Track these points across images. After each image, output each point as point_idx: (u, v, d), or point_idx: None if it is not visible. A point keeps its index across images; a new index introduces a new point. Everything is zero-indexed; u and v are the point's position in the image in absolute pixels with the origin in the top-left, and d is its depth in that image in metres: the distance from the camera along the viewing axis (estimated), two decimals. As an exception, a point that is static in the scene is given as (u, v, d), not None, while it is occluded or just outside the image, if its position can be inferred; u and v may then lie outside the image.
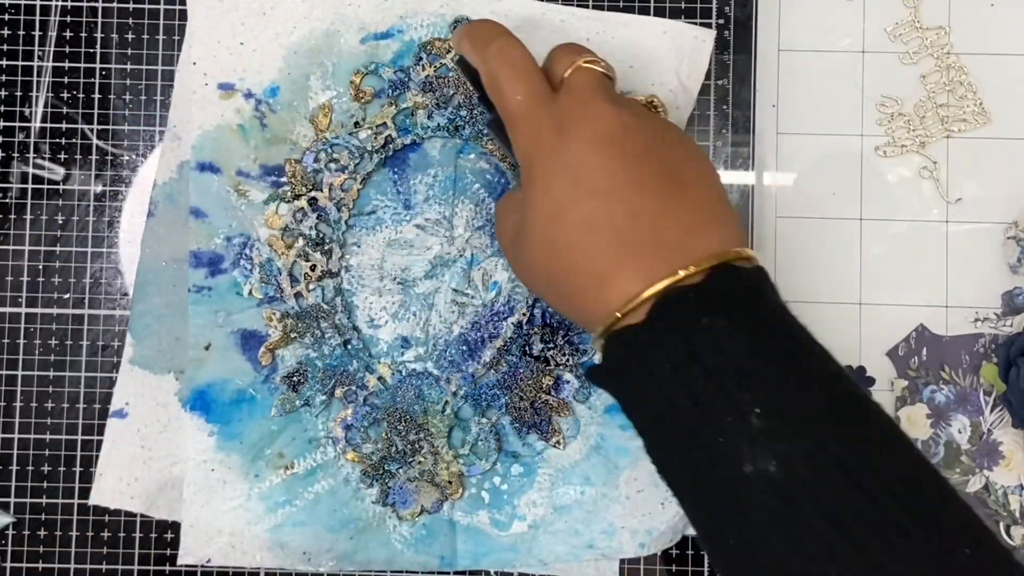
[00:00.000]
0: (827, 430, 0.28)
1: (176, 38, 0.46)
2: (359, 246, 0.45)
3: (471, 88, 0.41)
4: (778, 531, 0.27)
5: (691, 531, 0.45)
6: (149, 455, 0.45)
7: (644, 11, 0.46)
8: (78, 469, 0.45)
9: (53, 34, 0.46)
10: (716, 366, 0.29)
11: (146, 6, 0.46)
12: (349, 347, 0.44)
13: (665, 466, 0.32)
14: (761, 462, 0.28)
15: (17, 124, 0.46)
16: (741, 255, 0.33)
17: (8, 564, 0.45)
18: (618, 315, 0.32)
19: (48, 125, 0.46)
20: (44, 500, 0.45)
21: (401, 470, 0.44)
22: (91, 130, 0.46)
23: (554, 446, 0.44)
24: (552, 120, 0.35)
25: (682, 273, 0.31)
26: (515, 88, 0.36)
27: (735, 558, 0.29)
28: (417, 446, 0.44)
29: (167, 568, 0.45)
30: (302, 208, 0.44)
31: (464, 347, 0.45)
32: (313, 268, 0.44)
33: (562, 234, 0.33)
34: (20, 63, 0.46)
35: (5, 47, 0.46)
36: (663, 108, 0.43)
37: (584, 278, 0.33)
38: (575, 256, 0.33)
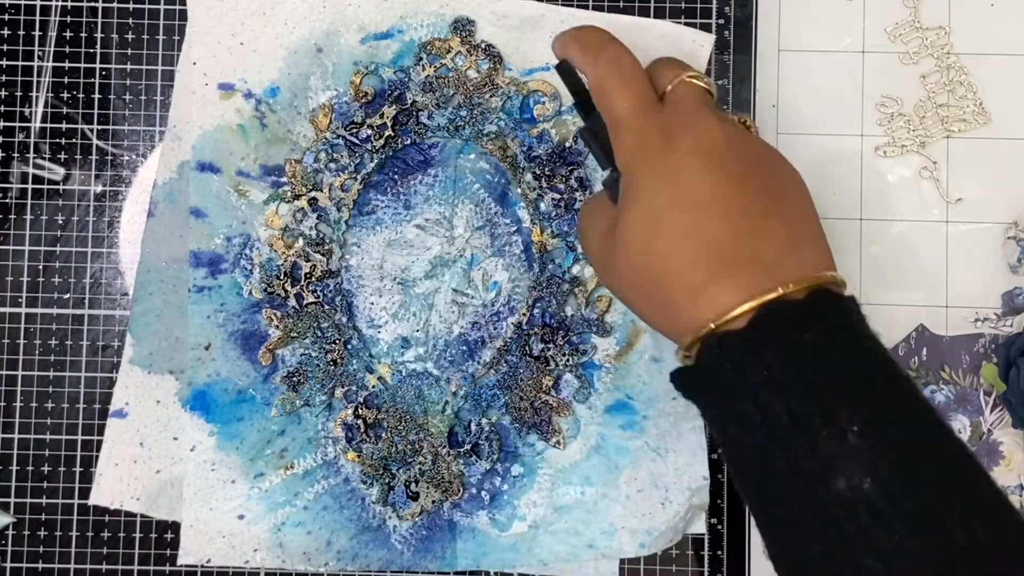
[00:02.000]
0: (920, 455, 0.29)
1: (176, 38, 0.46)
2: (359, 246, 0.45)
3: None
4: (867, 545, 0.28)
5: (691, 530, 0.45)
6: (149, 455, 0.45)
7: (644, 11, 0.46)
8: (78, 469, 0.45)
9: (53, 34, 0.46)
10: (815, 380, 0.30)
11: (146, 6, 0.46)
12: (349, 347, 0.44)
13: (746, 474, 0.32)
14: (856, 478, 0.28)
15: (17, 124, 0.46)
16: (836, 280, 0.33)
17: (8, 564, 0.45)
18: (712, 326, 0.32)
19: (48, 125, 0.46)
20: (44, 500, 0.45)
21: (401, 470, 0.44)
22: (91, 130, 0.46)
23: (554, 446, 0.44)
24: (657, 130, 0.35)
25: (781, 290, 0.31)
26: (624, 95, 0.36)
27: (815, 568, 0.30)
28: (417, 446, 0.44)
29: (167, 568, 0.45)
30: (302, 208, 0.44)
31: (464, 347, 0.45)
32: (313, 268, 0.44)
33: (660, 242, 0.34)
34: (20, 63, 0.46)
35: (5, 47, 0.46)
36: (756, 129, 0.43)
37: (679, 287, 0.33)
38: (671, 264, 0.33)
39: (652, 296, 0.35)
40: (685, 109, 0.36)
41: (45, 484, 0.45)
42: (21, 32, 0.46)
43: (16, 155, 0.46)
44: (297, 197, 0.44)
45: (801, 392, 0.30)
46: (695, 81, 0.37)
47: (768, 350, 0.31)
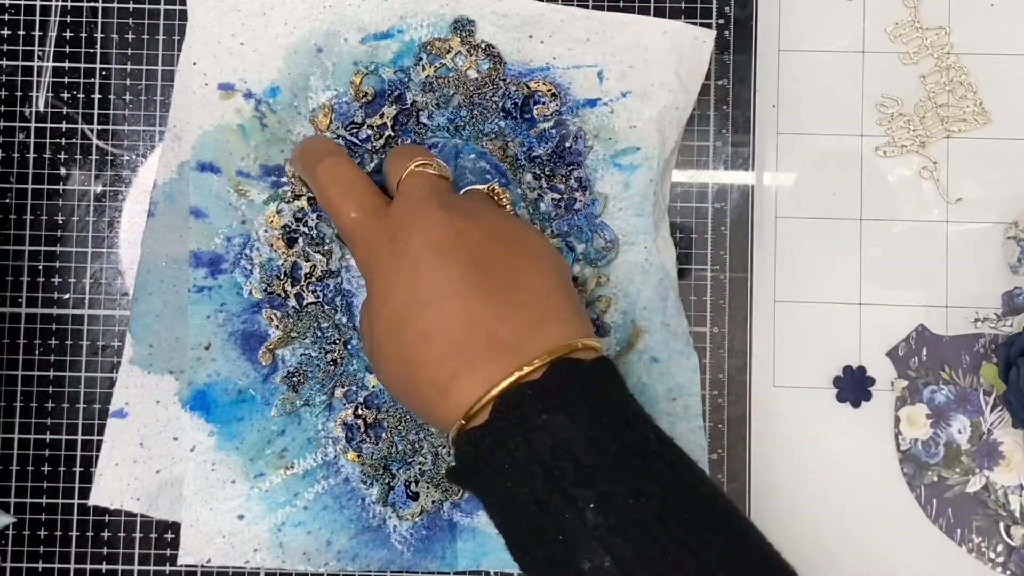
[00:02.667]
0: (659, 523, 0.29)
1: (176, 38, 0.46)
2: (359, 246, 0.45)
3: (471, 89, 0.41)
4: None
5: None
6: (149, 455, 0.45)
7: (644, 11, 0.46)
8: (78, 469, 0.45)
9: (53, 34, 0.46)
10: (554, 463, 0.30)
11: (146, 6, 0.46)
12: (349, 347, 0.44)
13: (520, 563, 0.32)
14: (597, 558, 0.28)
15: (17, 124, 0.46)
16: (582, 346, 0.33)
17: (8, 564, 0.45)
18: (463, 421, 0.32)
19: (48, 125, 0.46)
20: (44, 500, 0.45)
21: (401, 470, 0.44)
22: (91, 130, 0.46)
23: (554, 446, 0.44)
24: (385, 232, 0.35)
25: (518, 373, 0.31)
26: (347, 205, 0.37)
27: None
28: (417, 446, 0.44)
29: (167, 568, 0.45)
30: (302, 208, 0.44)
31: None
32: (313, 268, 0.44)
33: (404, 348, 0.34)
34: (20, 63, 0.46)
35: (5, 47, 0.46)
36: (505, 196, 0.42)
37: (428, 388, 0.33)
38: (417, 369, 0.33)
39: (412, 396, 0.35)
40: (410, 204, 0.36)
41: (45, 484, 0.45)
42: (21, 32, 0.46)
43: (16, 155, 0.46)
44: (297, 197, 0.44)
45: (543, 477, 0.30)
46: (424, 170, 0.37)
47: (510, 438, 0.30)
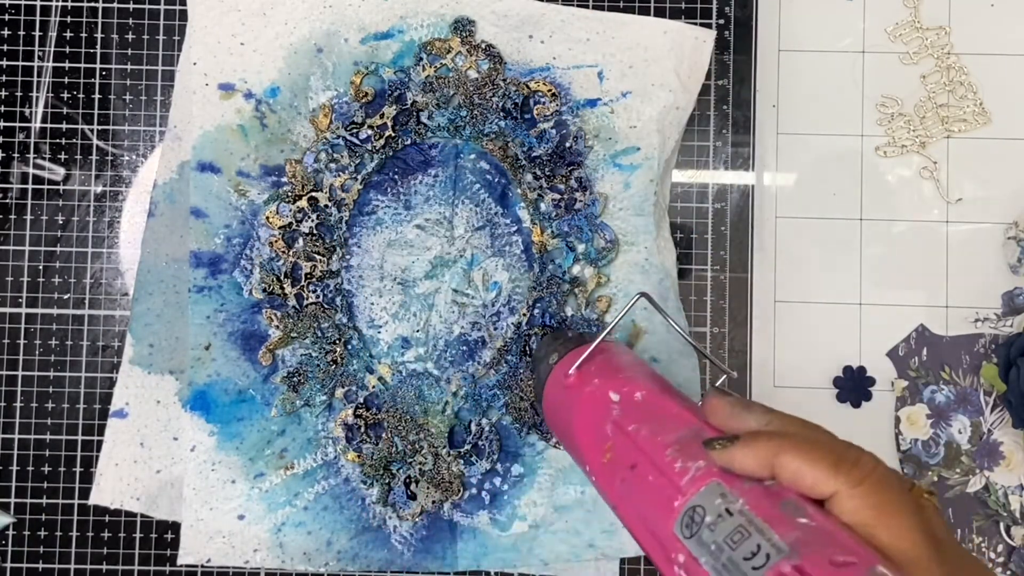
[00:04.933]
0: None
1: (176, 38, 0.46)
2: (359, 246, 0.45)
3: (471, 89, 0.40)
4: None
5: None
6: (149, 455, 0.45)
7: (644, 11, 0.46)
8: (78, 469, 0.45)
9: (53, 34, 0.46)
10: None
11: (146, 6, 0.46)
12: (349, 347, 0.44)
13: None
14: None
15: (17, 124, 0.46)
16: None
17: (8, 564, 0.45)
18: None
19: (48, 125, 0.46)
20: (44, 500, 0.45)
21: (401, 470, 0.44)
22: (91, 130, 0.46)
23: (554, 446, 0.44)
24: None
25: None
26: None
27: None
28: (417, 446, 0.44)
29: (167, 568, 0.45)
30: (302, 208, 0.44)
31: (464, 347, 0.45)
32: (313, 268, 0.44)
33: None
34: (20, 63, 0.46)
35: (5, 47, 0.46)
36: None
37: None
38: None
39: None
40: (964, 560, 0.28)
41: (45, 484, 0.45)
42: (21, 32, 0.46)
43: (16, 155, 0.46)
44: (297, 197, 0.44)
45: None
46: (934, 500, 0.29)
47: None
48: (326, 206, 0.44)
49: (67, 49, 0.46)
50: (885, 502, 0.27)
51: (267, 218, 0.44)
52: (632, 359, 0.38)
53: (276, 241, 0.44)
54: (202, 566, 0.44)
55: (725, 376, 0.42)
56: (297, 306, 0.44)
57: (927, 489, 0.29)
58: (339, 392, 0.44)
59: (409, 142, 0.45)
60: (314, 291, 0.44)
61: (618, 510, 0.33)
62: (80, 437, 0.45)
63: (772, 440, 0.28)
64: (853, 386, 0.47)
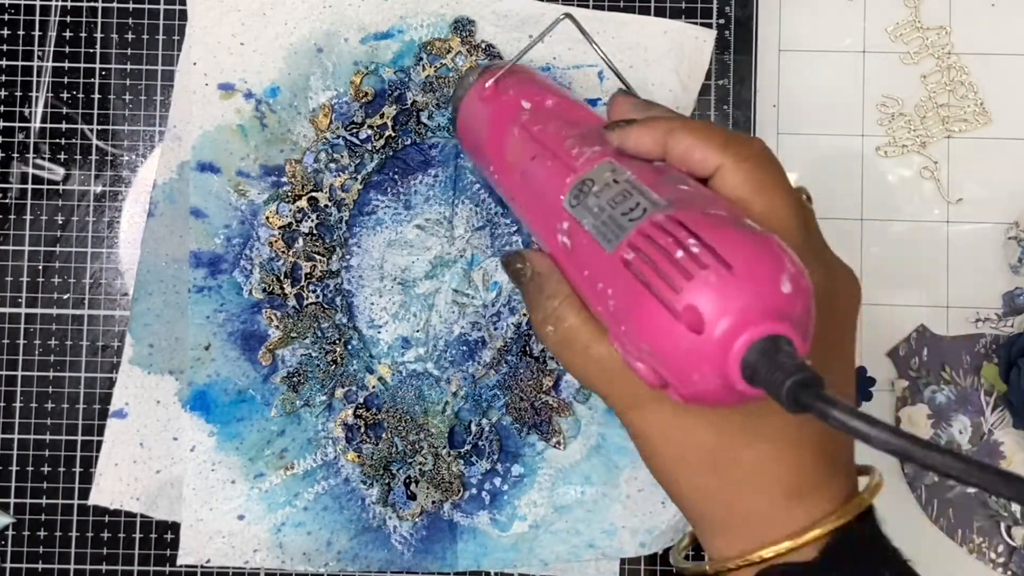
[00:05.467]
0: None
1: (176, 38, 0.46)
2: (359, 246, 0.45)
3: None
4: None
5: (691, 529, 0.45)
6: (149, 455, 0.45)
7: (644, 11, 0.46)
8: (78, 469, 0.45)
9: (53, 34, 0.46)
10: None
11: (146, 6, 0.46)
12: (349, 347, 0.44)
13: None
14: None
15: (17, 124, 0.46)
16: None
17: (8, 564, 0.45)
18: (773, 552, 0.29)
19: (48, 125, 0.46)
20: (44, 500, 0.45)
21: (401, 470, 0.44)
22: (91, 130, 0.46)
23: (554, 446, 0.44)
24: None
25: (849, 516, 0.29)
26: None
27: None
28: (417, 446, 0.44)
29: (167, 568, 0.45)
30: (302, 208, 0.44)
31: (464, 347, 0.45)
32: (313, 268, 0.44)
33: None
34: (20, 63, 0.46)
35: (5, 47, 0.46)
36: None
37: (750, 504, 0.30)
38: (747, 484, 0.29)
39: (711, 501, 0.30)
40: None
41: (45, 484, 0.45)
42: (21, 32, 0.46)
43: (16, 155, 0.46)
44: (297, 197, 0.44)
45: None
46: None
47: None
48: (326, 206, 0.44)
49: (67, 49, 0.46)
50: (767, 180, 0.28)
51: (267, 218, 0.44)
52: (550, 79, 0.40)
53: (276, 241, 0.44)
54: (202, 566, 0.44)
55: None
56: (297, 306, 0.44)
57: (807, 194, 0.32)
58: (339, 392, 0.44)
59: (409, 142, 0.45)
60: (314, 291, 0.44)
61: (515, 200, 0.35)
62: (80, 437, 0.45)
63: (668, 121, 0.30)
64: (853, 386, 0.47)
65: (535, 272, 0.32)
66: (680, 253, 0.24)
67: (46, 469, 0.45)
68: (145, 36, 0.46)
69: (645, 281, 0.25)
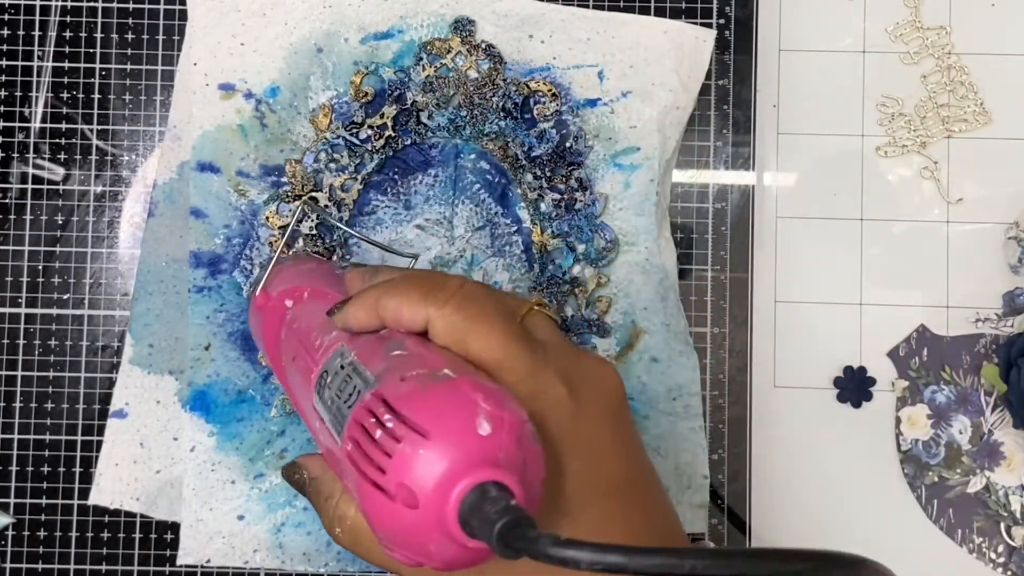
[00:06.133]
0: None
1: (176, 38, 0.46)
2: (359, 246, 0.45)
3: (471, 89, 0.40)
4: None
5: (691, 530, 0.45)
6: (149, 455, 0.45)
7: (644, 11, 0.46)
8: (78, 469, 0.45)
9: (53, 34, 0.46)
10: None
11: (146, 6, 0.46)
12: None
13: None
14: None
15: (17, 124, 0.46)
16: None
17: (8, 564, 0.45)
18: None
19: (48, 125, 0.46)
20: (44, 500, 0.45)
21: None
22: (91, 130, 0.46)
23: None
24: (552, 382, 0.29)
25: None
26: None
27: None
28: (417, 446, 0.44)
29: (167, 568, 0.45)
30: (302, 208, 0.44)
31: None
32: (313, 268, 0.44)
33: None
34: (20, 63, 0.46)
35: (5, 47, 0.46)
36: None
37: None
38: None
39: None
40: (570, 355, 0.30)
41: (45, 484, 0.45)
42: (21, 32, 0.46)
43: (16, 155, 0.46)
44: (297, 197, 0.44)
45: None
46: (544, 311, 0.31)
47: None
48: (326, 206, 0.44)
49: (67, 49, 0.46)
50: (474, 315, 0.28)
51: (267, 218, 0.44)
52: (314, 264, 0.40)
53: (276, 241, 0.44)
54: (202, 566, 0.44)
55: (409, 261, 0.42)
56: (297, 306, 0.44)
57: (536, 302, 0.31)
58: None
59: (409, 142, 0.45)
60: (314, 291, 0.44)
61: (297, 408, 0.34)
62: (80, 437, 0.45)
63: (376, 288, 0.30)
64: (853, 386, 0.47)
65: (310, 477, 0.32)
66: (379, 432, 0.24)
67: (46, 469, 0.45)
68: (145, 36, 0.46)
69: (361, 469, 0.24)
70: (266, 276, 0.39)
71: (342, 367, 0.28)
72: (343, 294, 0.34)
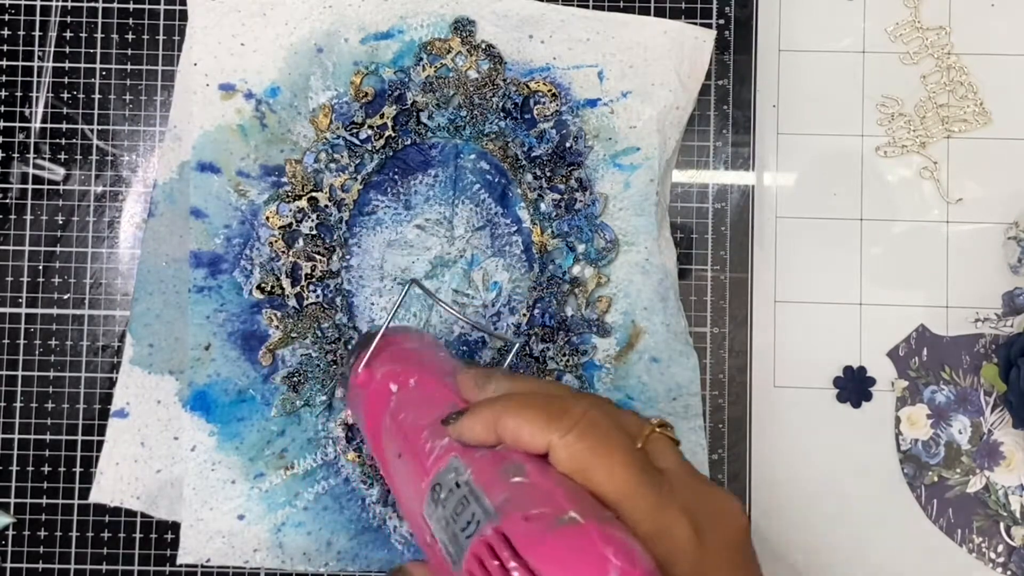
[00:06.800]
0: None
1: (176, 38, 0.46)
2: (359, 246, 0.45)
3: (471, 89, 0.40)
4: None
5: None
6: (149, 455, 0.45)
7: (644, 11, 0.46)
8: (78, 469, 0.45)
9: (53, 34, 0.46)
10: None
11: (146, 6, 0.46)
12: (349, 347, 0.44)
13: None
14: None
15: (17, 124, 0.46)
16: None
17: (8, 564, 0.45)
18: None
19: (48, 125, 0.46)
20: (44, 500, 0.45)
21: (401, 470, 0.44)
22: (91, 130, 0.46)
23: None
24: (676, 516, 0.28)
25: None
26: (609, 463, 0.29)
27: None
28: (417, 446, 0.44)
29: (167, 568, 0.45)
30: (302, 208, 0.44)
31: (464, 347, 0.45)
32: (313, 268, 0.44)
33: None
34: (20, 63, 0.46)
35: (5, 47, 0.46)
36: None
37: None
38: None
39: None
40: (697, 485, 0.29)
41: (45, 484, 0.45)
42: (21, 32, 0.46)
43: (16, 155, 0.46)
44: (297, 197, 0.44)
45: None
46: (667, 433, 0.30)
47: None
48: (326, 206, 0.44)
49: (67, 49, 0.46)
50: (597, 444, 0.27)
51: (267, 218, 0.44)
52: (420, 344, 0.38)
53: (276, 241, 0.44)
54: (202, 566, 0.44)
55: (505, 344, 0.41)
56: (297, 306, 0.44)
57: (657, 423, 0.29)
58: (339, 392, 0.44)
59: (409, 142, 0.45)
60: (314, 291, 0.44)
61: (396, 495, 0.34)
62: (80, 437, 0.45)
63: (494, 404, 0.29)
64: (853, 386, 0.47)
65: None
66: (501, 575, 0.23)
67: (46, 469, 0.45)
68: (145, 36, 0.46)
69: None
70: (371, 350, 0.36)
71: (457, 485, 0.28)
72: (451, 388, 0.33)
